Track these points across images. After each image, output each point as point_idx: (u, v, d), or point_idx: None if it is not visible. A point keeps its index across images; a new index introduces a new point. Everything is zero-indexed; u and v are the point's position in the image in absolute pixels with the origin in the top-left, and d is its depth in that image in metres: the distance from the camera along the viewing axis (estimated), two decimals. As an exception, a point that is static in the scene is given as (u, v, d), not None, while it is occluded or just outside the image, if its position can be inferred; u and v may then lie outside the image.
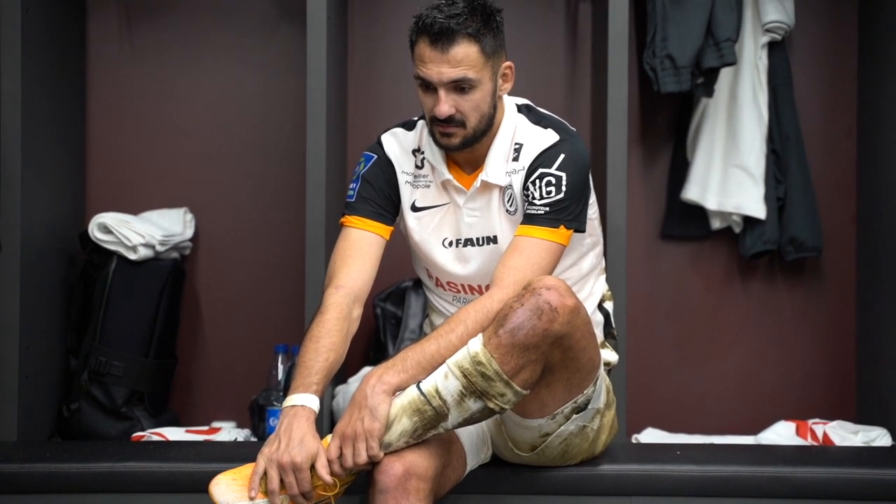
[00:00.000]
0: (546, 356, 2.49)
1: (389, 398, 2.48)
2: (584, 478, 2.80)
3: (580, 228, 2.71)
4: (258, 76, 3.68)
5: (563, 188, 2.67)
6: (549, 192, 2.67)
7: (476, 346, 2.46)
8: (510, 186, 2.73)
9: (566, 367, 2.55)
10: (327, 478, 2.44)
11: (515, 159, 2.72)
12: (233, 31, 3.68)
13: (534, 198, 2.67)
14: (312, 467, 2.45)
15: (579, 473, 2.79)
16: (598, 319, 2.87)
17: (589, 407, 2.65)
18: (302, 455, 2.44)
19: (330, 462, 2.47)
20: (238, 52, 3.68)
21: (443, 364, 2.49)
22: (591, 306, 2.83)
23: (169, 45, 3.69)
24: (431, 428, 2.50)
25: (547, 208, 2.66)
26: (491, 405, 2.48)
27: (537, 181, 2.68)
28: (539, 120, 2.76)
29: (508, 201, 2.73)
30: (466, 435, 2.68)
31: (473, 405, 2.47)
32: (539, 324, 2.45)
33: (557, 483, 2.78)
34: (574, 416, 2.64)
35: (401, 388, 2.50)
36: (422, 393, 2.48)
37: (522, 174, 2.71)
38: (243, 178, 3.68)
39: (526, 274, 2.58)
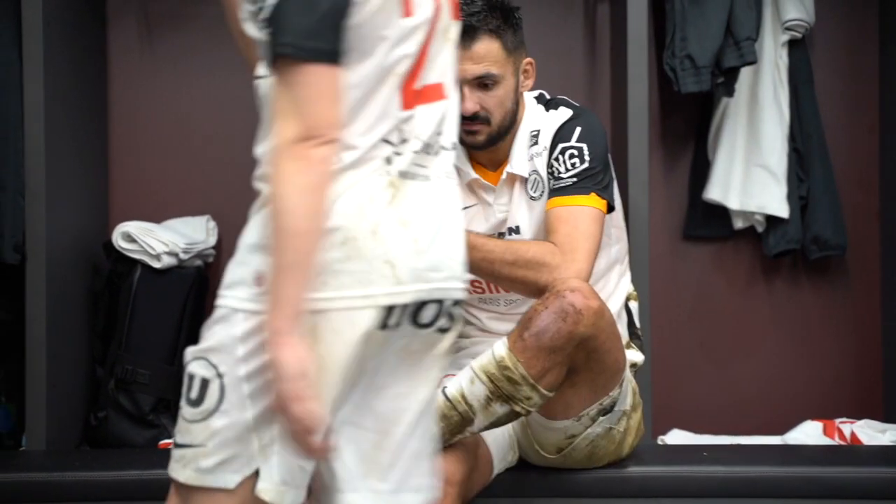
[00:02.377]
0: (571, 358, 2.49)
1: None
2: (611, 480, 2.79)
3: (611, 203, 2.71)
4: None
5: (587, 157, 2.67)
6: (573, 164, 2.67)
7: (501, 350, 2.46)
8: (534, 171, 2.73)
9: (591, 369, 2.55)
10: (355, 483, 2.45)
11: (534, 144, 2.74)
12: (253, 39, 3.68)
13: (559, 172, 2.67)
14: (340, 473, 2.46)
15: (606, 475, 2.79)
16: (623, 319, 2.86)
17: (615, 409, 2.65)
18: (329, 461, 2.44)
19: None
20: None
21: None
22: (615, 304, 2.82)
23: (189, 54, 3.70)
24: (457, 433, 2.50)
25: (574, 178, 2.66)
26: (517, 409, 2.48)
27: (560, 157, 2.69)
28: (549, 103, 2.79)
29: (532, 187, 2.74)
30: (493, 438, 2.68)
31: (500, 409, 2.47)
32: (564, 326, 2.45)
33: (584, 485, 2.78)
34: (600, 418, 2.64)
35: None
36: (447, 398, 2.48)
37: (545, 154, 2.72)
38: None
39: (577, 240, 2.59)
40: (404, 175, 1.90)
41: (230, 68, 3.69)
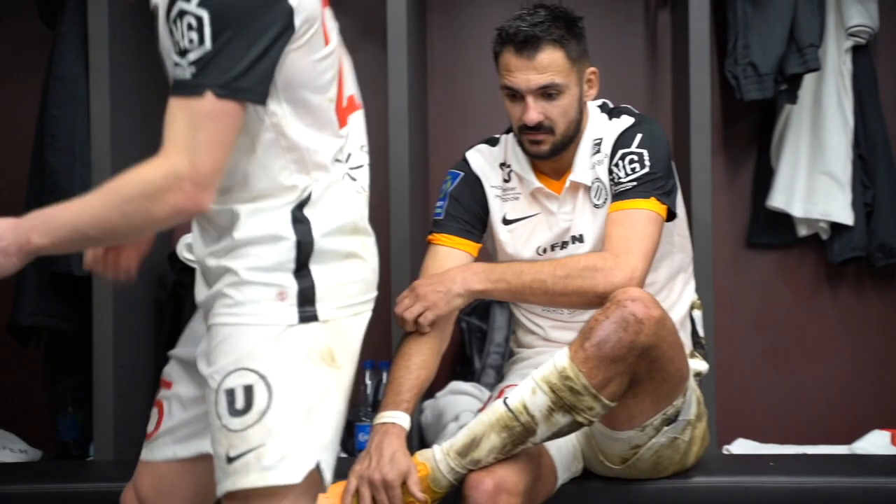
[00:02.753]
0: (633, 368, 2.47)
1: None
2: (677, 490, 2.77)
3: (672, 209, 2.69)
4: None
5: (647, 162, 2.66)
6: (633, 169, 2.66)
7: (563, 360, 2.45)
8: (597, 179, 2.73)
9: (653, 379, 2.53)
10: (420, 495, 2.45)
11: (597, 152, 2.73)
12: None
13: (619, 178, 2.67)
14: (404, 484, 2.47)
15: (671, 486, 2.77)
16: (686, 328, 2.85)
17: (679, 419, 2.63)
18: (393, 472, 2.45)
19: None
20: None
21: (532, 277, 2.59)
22: (679, 312, 2.80)
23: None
24: (520, 443, 2.49)
25: (634, 182, 2.65)
26: (579, 419, 2.47)
27: (620, 162, 2.68)
28: (612, 111, 2.78)
29: (595, 195, 2.73)
30: (556, 448, 2.67)
31: (562, 419, 2.47)
32: (625, 336, 2.43)
33: (649, 496, 2.76)
34: (664, 427, 2.62)
35: (483, 294, 2.66)
36: (509, 409, 2.48)
37: (606, 161, 2.71)
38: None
39: (632, 241, 2.58)
40: (365, 190, 2.16)
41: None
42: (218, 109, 1.92)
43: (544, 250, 2.79)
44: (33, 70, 3.44)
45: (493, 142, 2.87)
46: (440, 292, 2.64)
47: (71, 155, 3.28)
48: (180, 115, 1.94)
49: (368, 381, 3.49)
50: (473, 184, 2.82)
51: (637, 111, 2.79)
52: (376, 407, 3.37)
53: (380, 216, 3.46)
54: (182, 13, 1.92)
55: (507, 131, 2.84)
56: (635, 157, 2.67)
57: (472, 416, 2.92)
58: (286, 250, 2.02)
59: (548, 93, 2.67)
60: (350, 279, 2.08)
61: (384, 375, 3.45)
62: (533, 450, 2.55)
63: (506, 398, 2.49)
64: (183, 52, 1.92)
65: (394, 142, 3.25)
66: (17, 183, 3.39)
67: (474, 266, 2.69)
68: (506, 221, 2.81)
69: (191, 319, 2.34)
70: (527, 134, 2.71)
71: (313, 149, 2.04)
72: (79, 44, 3.32)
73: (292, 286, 2.01)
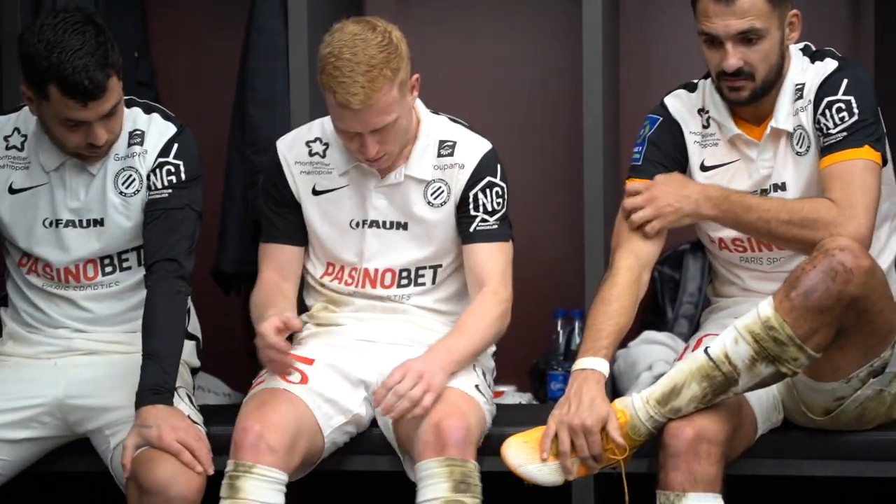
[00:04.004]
0: (840, 319, 2.42)
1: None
2: (882, 443, 2.71)
3: (885, 155, 2.63)
4: (532, 43, 3.68)
5: (856, 110, 2.61)
6: (842, 118, 2.61)
7: (767, 309, 2.42)
8: (799, 126, 2.67)
9: (861, 330, 2.47)
10: (620, 440, 2.46)
11: (799, 98, 2.67)
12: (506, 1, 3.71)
13: (828, 128, 2.61)
14: (603, 430, 2.47)
15: (877, 438, 2.70)
16: (892, 277, 2.76)
17: (886, 370, 2.57)
18: (593, 418, 2.46)
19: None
20: (511, 19, 3.70)
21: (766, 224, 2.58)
22: (885, 261, 2.73)
23: (443, 16, 3.73)
24: (721, 393, 2.47)
25: (845, 133, 2.60)
26: (783, 370, 2.43)
27: (826, 111, 2.62)
28: (814, 55, 2.72)
29: (798, 143, 2.68)
30: (756, 398, 2.64)
31: (765, 370, 2.43)
32: (833, 286, 2.39)
33: (852, 448, 2.71)
34: (870, 380, 2.56)
35: (710, 219, 2.66)
36: (710, 359, 2.45)
37: (810, 108, 2.66)
38: (519, 143, 3.70)
39: (854, 196, 2.53)
40: None
41: (483, 28, 3.72)
42: (509, 247, 2.83)
43: None
44: (235, 22, 3.52)
45: (690, 87, 2.83)
46: (672, 206, 2.65)
47: (272, 107, 3.34)
48: (498, 256, 2.79)
49: (560, 330, 3.49)
50: (672, 129, 2.79)
51: (840, 54, 2.71)
52: (568, 356, 3.40)
53: (573, 165, 3.48)
54: (491, 185, 2.78)
55: (705, 76, 2.80)
56: (843, 105, 2.60)
57: (667, 365, 2.92)
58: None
59: (748, 38, 2.61)
60: None
61: (576, 324, 3.46)
62: (733, 399, 2.53)
63: (707, 347, 2.47)
64: (492, 213, 2.77)
65: (588, 89, 3.22)
66: (220, 134, 3.47)
67: (710, 189, 2.67)
68: (704, 168, 2.78)
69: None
70: (726, 80, 2.66)
71: None
72: (277, -1, 3.38)
73: None
